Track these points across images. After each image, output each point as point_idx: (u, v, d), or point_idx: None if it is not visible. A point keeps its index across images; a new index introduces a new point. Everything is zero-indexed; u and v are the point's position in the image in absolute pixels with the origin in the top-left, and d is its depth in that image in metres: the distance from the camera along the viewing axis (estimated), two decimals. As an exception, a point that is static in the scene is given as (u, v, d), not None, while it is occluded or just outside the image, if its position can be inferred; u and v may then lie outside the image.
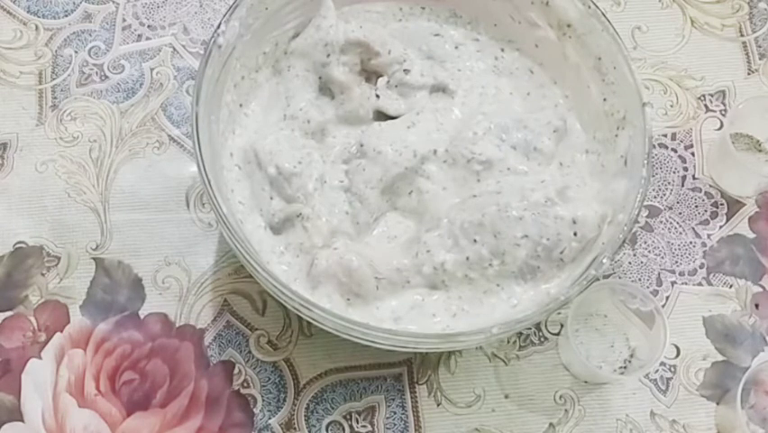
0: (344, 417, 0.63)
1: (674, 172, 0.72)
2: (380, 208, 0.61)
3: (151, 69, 0.73)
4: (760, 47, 0.76)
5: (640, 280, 0.68)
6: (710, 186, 0.71)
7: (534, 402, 0.64)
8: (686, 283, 0.68)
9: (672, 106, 0.74)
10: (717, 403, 0.64)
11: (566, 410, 0.64)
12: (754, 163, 0.72)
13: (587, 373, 0.64)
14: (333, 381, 0.64)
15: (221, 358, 0.65)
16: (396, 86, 0.64)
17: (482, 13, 0.67)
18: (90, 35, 0.75)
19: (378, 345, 0.54)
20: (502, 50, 0.67)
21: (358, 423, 0.63)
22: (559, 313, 0.63)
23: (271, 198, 0.60)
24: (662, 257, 0.69)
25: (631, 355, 0.65)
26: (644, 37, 0.76)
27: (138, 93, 0.72)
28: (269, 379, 0.64)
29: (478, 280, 0.58)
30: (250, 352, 0.65)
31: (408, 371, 0.65)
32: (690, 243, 0.69)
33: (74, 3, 0.76)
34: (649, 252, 0.69)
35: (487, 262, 0.57)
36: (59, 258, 0.67)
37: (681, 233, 0.69)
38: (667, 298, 0.67)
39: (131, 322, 0.65)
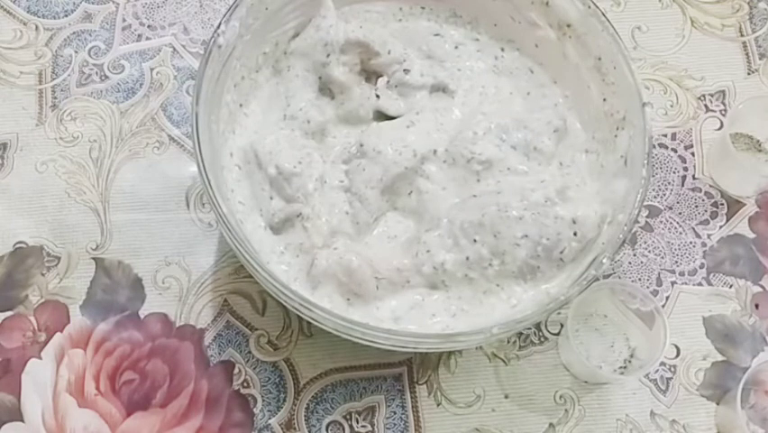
0: (344, 417, 0.63)
1: (674, 172, 0.72)
2: (380, 208, 0.61)
3: (151, 69, 0.73)
4: (760, 47, 0.76)
5: (640, 280, 0.68)
6: (710, 186, 0.71)
7: (534, 402, 0.64)
8: (686, 283, 0.68)
9: (672, 106, 0.74)
10: (717, 403, 0.64)
11: (566, 410, 0.64)
12: (754, 163, 0.72)
13: (587, 373, 0.64)
14: (333, 381, 0.64)
15: (221, 358, 0.65)
16: (396, 86, 0.64)
17: (482, 13, 0.67)
18: (90, 35, 0.75)
19: (378, 345, 0.54)
20: (502, 49, 0.67)
21: (358, 423, 0.63)
22: (559, 313, 0.63)
23: (271, 198, 0.60)
24: (662, 257, 0.69)
25: (631, 355, 0.65)
26: (644, 37, 0.76)
27: (138, 93, 0.72)
28: (269, 379, 0.64)
29: (478, 280, 0.58)
30: (250, 352, 0.65)
31: (408, 371, 0.65)
32: (690, 243, 0.69)
33: (74, 3, 0.76)
34: (649, 252, 0.69)
35: (487, 261, 0.57)
36: (59, 258, 0.67)
37: (681, 233, 0.69)
38: (667, 298, 0.67)
39: (131, 322, 0.65)
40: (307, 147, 0.62)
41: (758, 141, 0.72)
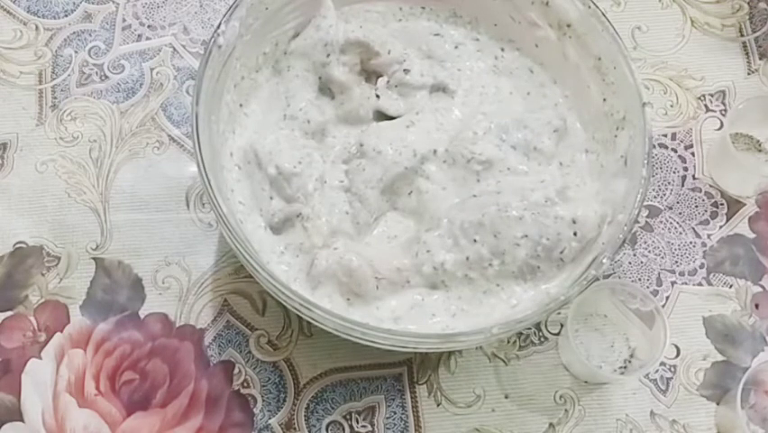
0: (344, 417, 0.63)
1: (674, 172, 0.72)
2: (380, 208, 0.61)
3: (151, 69, 0.73)
4: (760, 47, 0.76)
5: (640, 280, 0.68)
6: (710, 186, 0.71)
7: (534, 402, 0.64)
8: (686, 283, 0.68)
9: (672, 106, 0.74)
10: (717, 403, 0.64)
11: (566, 410, 0.64)
12: (753, 163, 0.72)
13: (587, 373, 0.64)
14: (333, 381, 0.64)
15: (221, 358, 0.65)
16: (396, 86, 0.64)
17: (482, 13, 0.67)
18: (90, 35, 0.75)
19: (378, 345, 0.54)
20: (502, 49, 0.67)
21: (358, 423, 0.63)
22: (559, 313, 0.63)
23: (271, 198, 0.60)
24: (662, 257, 0.69)
25: (631, 355, 0.65)
26: (644, 37, 0.76)
27: (138, 93, 0.72)
28: (269, 379, 0.64)
29: (478, 280, 0.58)
30: (250, 352, 0.65)
31: (408, 371, 0.65)
32: (690, 243, 0.69)
33: (74, 3, 0.76)
34: (649, 252, 0.69)
35: (487, 261, 0.57)
36: (59, 258, 0.67)
37: (681, 233, 0.69)
38: (667, 298, 0.67)
39: (131, 322, 0.65)
40: (307, 147, 0.62)
41: (758, 141, 0.72)
